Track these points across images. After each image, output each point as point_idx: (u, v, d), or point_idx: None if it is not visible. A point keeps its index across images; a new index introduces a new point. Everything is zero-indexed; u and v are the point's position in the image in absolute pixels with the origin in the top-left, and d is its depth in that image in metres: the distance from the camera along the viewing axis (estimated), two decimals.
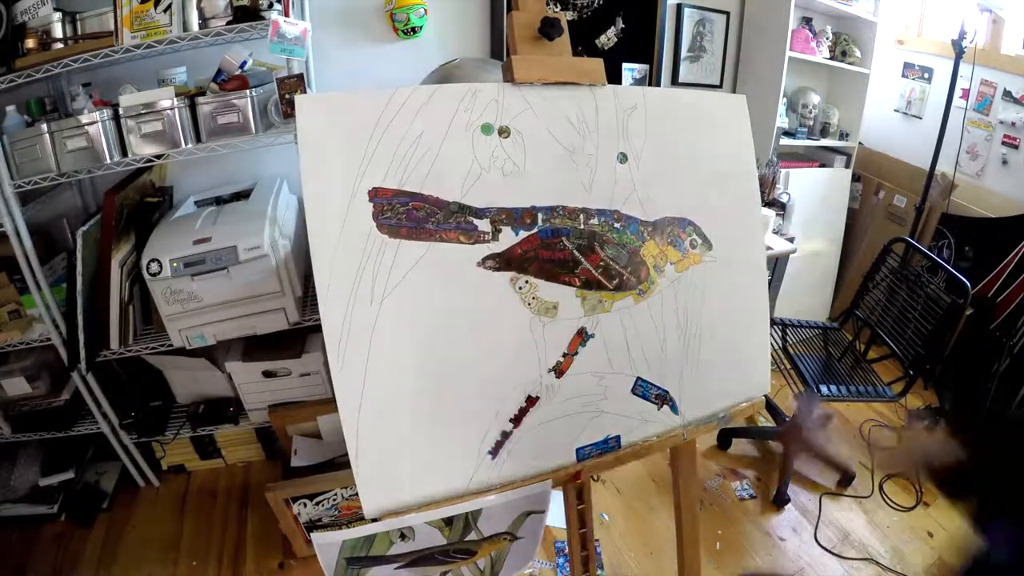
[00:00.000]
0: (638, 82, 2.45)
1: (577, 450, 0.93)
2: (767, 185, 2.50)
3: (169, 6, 1.51)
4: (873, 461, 1.42)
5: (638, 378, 0.97)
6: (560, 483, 0.94)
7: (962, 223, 2.49)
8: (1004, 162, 2.40)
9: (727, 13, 2.54)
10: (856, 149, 2.74)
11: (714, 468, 2.14)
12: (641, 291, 0.95)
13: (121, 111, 1.54)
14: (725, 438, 2.23)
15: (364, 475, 0.79)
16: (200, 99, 1.59)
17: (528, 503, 1.00)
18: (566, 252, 0.88)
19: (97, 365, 1.75)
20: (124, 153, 1.58)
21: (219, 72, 1.64)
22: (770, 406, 2.29)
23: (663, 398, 0.99)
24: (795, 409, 1.15)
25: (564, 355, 0.90)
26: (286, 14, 1.57)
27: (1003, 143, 2.39)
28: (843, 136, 2.75)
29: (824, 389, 1.89)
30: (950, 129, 2.30)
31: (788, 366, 2.07)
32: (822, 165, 2.80)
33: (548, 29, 0.88)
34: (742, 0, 2.56)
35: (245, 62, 1.65)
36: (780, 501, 1.98)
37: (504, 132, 0.84)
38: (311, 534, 0.95)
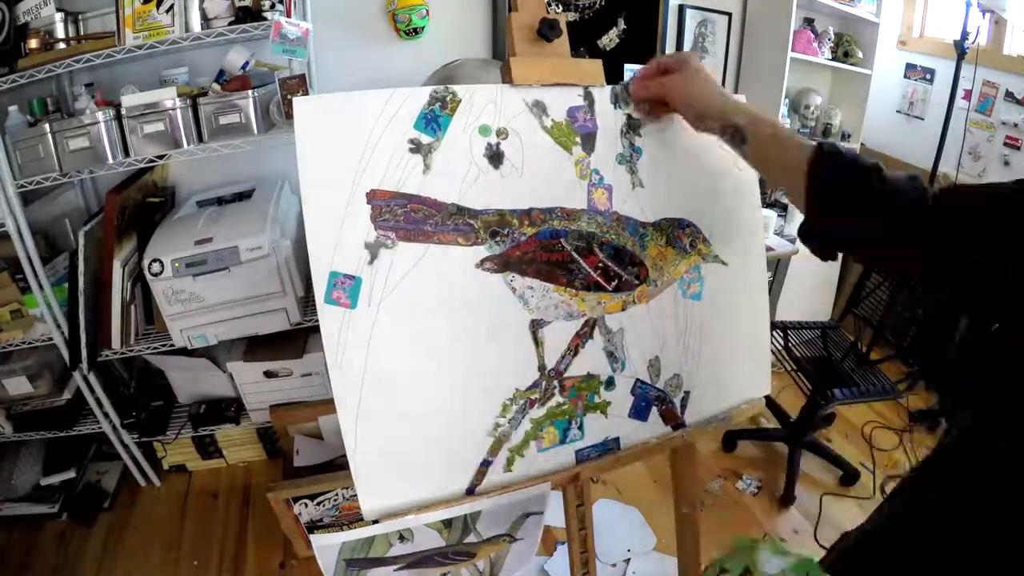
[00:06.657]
0: None
1: (576, 451, 0.93)
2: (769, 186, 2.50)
3: (171, 7, 1.51)
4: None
5: (637, 379, 0.96)
6: (559, 484, 0.94)
7: None
8: (1006, 163, 2.39)
9: (729, 14, 2.53)
10: (858, 150, 2.73)
11: (717, 470, 2.13)
12: (640, 292, 0.95)
13: (123, 111, 1.55)
14: (730, 440, 2.24)
15: (363, 476, 0.79)
16: (202, 99, 1.60)
17: (527, 504, 1.01)
18: (564, 253, 0.88)
19: (99, 365, 1.75)
20: (126, 153, 1.59)
21: (221, 72, 1.64)
22: (772, 407, 2.29)
23: (663, 399, 0.99)
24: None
25: (563, 356, 0.90)
26: (288, 15, 1.58)
27: (1005, 144, 2.38)
28: (845, 137, 2.74)
29: (838, 393, 1.89)
30: (952, 130, 2.29)
31: (792, 367, 2.07)
32: None
33: (546, 30, 0.87)
34: (744, 1, 2.55)
35: (247, 63, 1.65)
36: (787, 500, 1.98)
37: (502, 133, 0.84)
38: (310, 535, 0.95)
